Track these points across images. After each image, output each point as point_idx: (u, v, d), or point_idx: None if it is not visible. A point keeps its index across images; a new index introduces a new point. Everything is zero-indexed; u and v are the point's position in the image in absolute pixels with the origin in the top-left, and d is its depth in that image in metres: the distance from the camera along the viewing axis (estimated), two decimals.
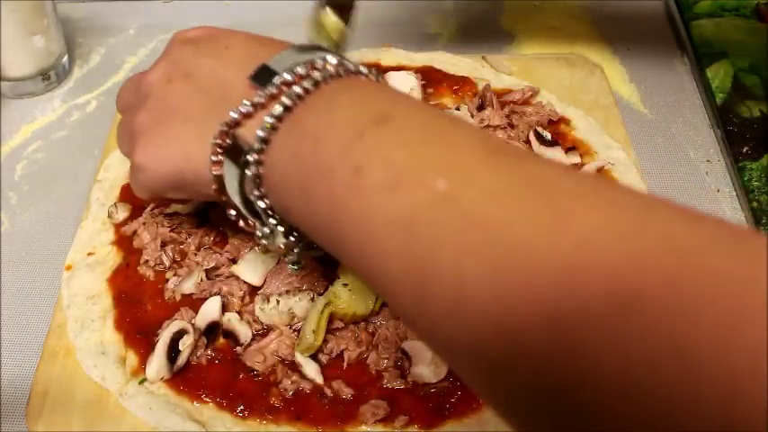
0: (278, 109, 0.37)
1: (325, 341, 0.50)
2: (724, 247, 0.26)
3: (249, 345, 0.51)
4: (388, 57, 0.72)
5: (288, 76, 0.38)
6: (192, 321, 0.52)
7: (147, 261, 0.56)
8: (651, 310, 0.24)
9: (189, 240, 0.57)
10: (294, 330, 0.51)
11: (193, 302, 0.53)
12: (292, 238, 0.41)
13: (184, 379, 0.50)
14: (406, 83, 0.66)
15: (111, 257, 0.57)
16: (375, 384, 0.49)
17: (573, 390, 0.25)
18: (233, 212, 0.42)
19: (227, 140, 0.39)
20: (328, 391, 0.48)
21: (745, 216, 0.59)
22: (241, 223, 0.42)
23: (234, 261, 0.55)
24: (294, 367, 0.49)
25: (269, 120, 0.37)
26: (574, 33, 0.78)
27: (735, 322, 0.23)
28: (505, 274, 0.27)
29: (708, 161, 0.64)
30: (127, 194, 0.61)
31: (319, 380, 0.49)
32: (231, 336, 0.51)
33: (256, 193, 0.39)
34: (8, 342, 0.55)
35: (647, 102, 0.70)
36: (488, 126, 0.63)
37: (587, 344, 0.25)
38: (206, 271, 0.55)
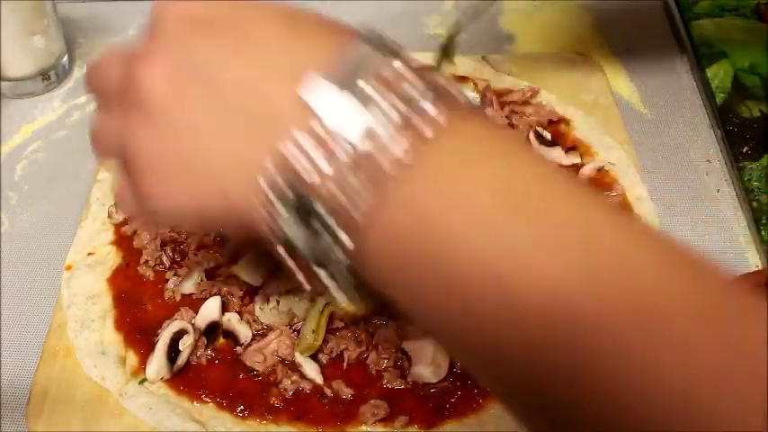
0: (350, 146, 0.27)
1: (325, 341, 0.50)
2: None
3: (249, 345, 0.51)
4: None
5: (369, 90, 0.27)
6: (192, 321, 0.52)
7: (146, 261, 0.56)
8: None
9: (189, 240, 0.57)
10: (294, 330, 0.51)
11: (193, 302, 0.53)
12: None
13: (184, 379, 0.50)
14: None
15: (111, 257, 0.57)
16: (375, 384, 0.49)
17: None
18: (283, 253, 0.31)
19: (288, 188, 0.29)
20: (328, 391, 0.48)
21: (745, 216, 0.59)
22: (290, 262, 0.32)
23: (234, 261, 0.55)
24: (294, 367, 0.49)
25: (341, 156, 0.27)
26: (574, 33, 0.78)
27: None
28: None
29: (708, 161, 0.64)
30: None
31: (319, 380, 0.49)
32: (231, 336, 0.51)
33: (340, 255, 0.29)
34: (8, 342, 0.55)
35: (647, 102, 0.70)
36: None
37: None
38: (206, 271, 0.55)
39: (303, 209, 0.29)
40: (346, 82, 0.28)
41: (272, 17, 0.32)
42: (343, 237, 0.28)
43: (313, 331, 0.49)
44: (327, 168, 0.28)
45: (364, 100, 0.27)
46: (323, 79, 0.28)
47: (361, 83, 0.28)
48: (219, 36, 0.32)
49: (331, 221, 0.28)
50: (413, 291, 0.29)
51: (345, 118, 0.27)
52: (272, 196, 0.29)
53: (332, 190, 0.28)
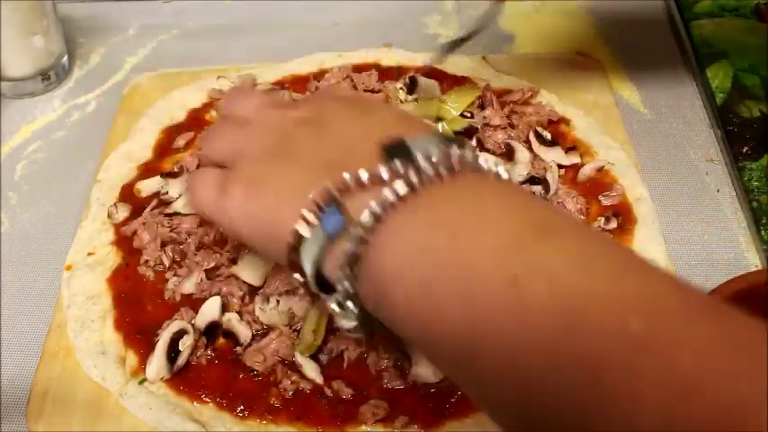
0: (402, 189, 0.33)
1: (325, 341, 0.50)
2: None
3: (249, 345, 0.51)
4: (388, 57, 0.72)
5: (421, 159, 0.34)
6: (192, 321, 0.52)
7: (147, 261, 0.56)
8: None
9: (189, 240, 0.57)
10: (294, 330, 0.51)
11: (193, 302, 0.53)
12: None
13: (184, 379, 0.50)
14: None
15: (111, 257, 0.57)
16: (375, 384, 0.49)
17: None
18: (299, 278, 0.37)
19: (328, 203, 0.35)
20: (328, 391, 0.48)
21: (745, 216, 0.59)
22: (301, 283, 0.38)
23: (234, 261, 0.55)
24: (294, 367, 0.49)
25: (389, 196, 0.33)
26: (574, 33, 0.78)
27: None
28: None
29: (708, 161, 0.64)
30: (127, 194, 0.61)
31: (319, 380, 0.49)
32: (231, 336, 0.51)
33: (346, 272, 0.34)
34: (8, 342, 0.55)
35: (647, 102, 0.70)
36: (488, 126, 0.63)
37: None
38: (206, 271, 0.55)
39: (331, 217, 0.34)
40: (414, 145, 0.35)
41: (392, 108, 0.45)
42: (352, 246, 0.34)
43: (313, 331, 0.49)
44: (367, 193, 0.34)
45: (422, 154, 0.34)
46: (402, 140, 0.36)
47: (425, 146, 0.35)
48: (349, 105, 0.43)
49: (355, 232, 0.34)
50: (420, 308, 0.32)
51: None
52: (314, 208, 0.35)
53: (361, 205, 0.33)
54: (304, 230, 0.35)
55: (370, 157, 0.35)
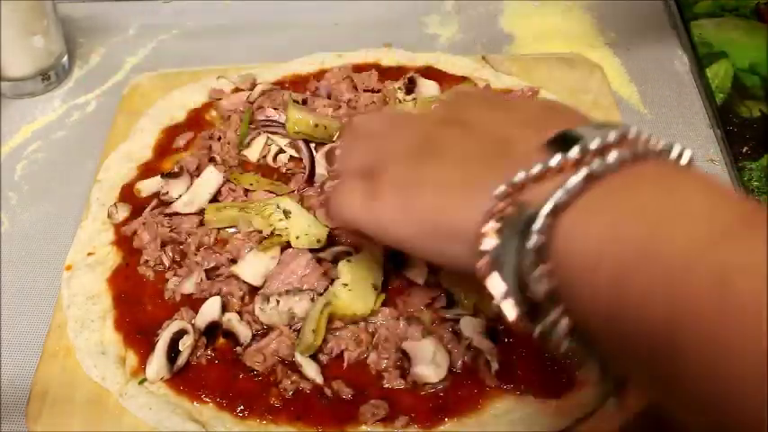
0: (582, 173, 0.31)
1: (325, 341, 0.50)
2: None
3: (249, 345, 0.51)
4: (388, 57, 0.72)
5: (594, 144, 0.32)
6: (192, 321, 0.52)
7: (147, 261, 0.56)
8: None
9: (189, 240, 0.57)
10: (294, 330, 0.51)
11: (193, 302, 0.53)
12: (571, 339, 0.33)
13: (184, 379, 0.50)
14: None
15: (111, 257, 0.57)
16: (375, 384, 0.49)
17: None
18: (499, 290, 0.34)
19: (509, 206, 0.33)
20: (328, 391, 0.48)
21: None
22: (511, 312, 0.33)
23: (234, 261, 0.55)
24: (294, 367, 0.49)
25: (574, 182, 0.31)
26: (574, 33, 0.78)
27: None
28: None
29: (708, 161, 0.64)
30: (127, 194, 0.61)
31: (319, 380, 0.49)
32: (231, 336, 0.51)
33: (537, 272, 0.32)
34: (8, 342, 0.55)
35: (647, 102, 0.70)
36: None
37: None
38: (206, 271, 0.55)
39: (517, 219, 0.33)
40: (582, 133, 0.34)
41: (534, 100, 0.42)
42: (537, 238, 0.32)
43: (313, 331, 0.49)
44: (544, 183, 0.32)
45: (594, 139, 0.33)
46: (566, 131, 0.34)
47: (593, 133, 0.33)
48: (489, 101, 0.42)
49: (539, 224, 0.32)
50: (608, 299, 0.30)
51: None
52: (495, 214, 0.33)
53: (543, 197, 0.31)
54: (492, 236, 0.33)
55: (536, 150, 0.34)
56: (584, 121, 0.37)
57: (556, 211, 0.31)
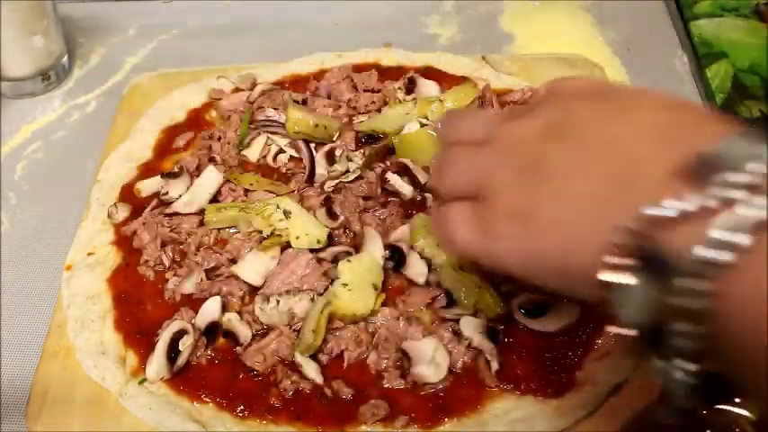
0: (746, 219, 0.27)
1: (325, 341, 0.50)
2: None
3: (249, 345, 0.51)
4: (388, 57, 0.72)
5: (744, 178, 0.28)
6: (192, 321, 0.52)
7: (147, 261, 0.56)
8: None
9: (189, 240, 0.57)
10: (294, 330, 0.51)
11: (193, 302, 0.53)
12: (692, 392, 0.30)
13: (184, 379, 0.50)
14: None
15: (111, 257, 0.57)
16: (375, 384, 0.49)
17: None
18: (624, 320, 0.31)
19: (641, 245, 0.30)
20: (328, 391, 0.48)
21: None
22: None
23: (234, 261, 0.55)
24: (294, 367, 0.49)
25: (740, 238, 0.27)
26: (574, 33, 0.78)
27: None
28: None
29: None
30: (127, 194, 0.61)
31: (319, 380, 0.49)
32: (231, 336, 0.51)
33: (688, 328, 0.28)
34: (8, 342, 0.55)
35: None
36: None
37: None
38: (206, 271, 0.55)
39: (652, 261, 0.29)
40: (727, 157, 0.28)
41: (655, 95, 0.34)
42: (700, 302, 0.28)
43: (313, 331, 0.49)
44: (688, 227, 0.28)
45: (743, 169, 0.28)
46: (707, 154, 0.29)
47: (739, 155, 0.28)
48: (601, 104, 0.35)
49: (698, 286, 0.28)
50: None
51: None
52: (620, 251, 0.30)
53: (687, 243, 0.28)
54: (619, 273, 0.30)
55: (667, 176, 0.29)
56: (718, 126, 0.31)
57: (717, 267, 0.27)
